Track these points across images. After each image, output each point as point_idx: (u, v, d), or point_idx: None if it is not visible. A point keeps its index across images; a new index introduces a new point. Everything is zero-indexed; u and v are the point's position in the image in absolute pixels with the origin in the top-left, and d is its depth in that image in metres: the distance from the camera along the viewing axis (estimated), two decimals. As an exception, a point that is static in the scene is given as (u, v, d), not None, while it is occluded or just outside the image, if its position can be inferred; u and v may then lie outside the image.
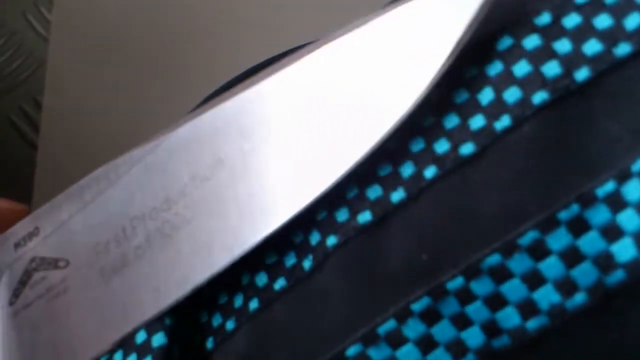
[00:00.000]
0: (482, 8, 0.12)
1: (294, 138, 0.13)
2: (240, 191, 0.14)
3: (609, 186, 0.11)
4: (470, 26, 0.12)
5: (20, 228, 0.16)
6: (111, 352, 0.15)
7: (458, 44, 0.12)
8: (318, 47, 0.14)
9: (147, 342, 0.15)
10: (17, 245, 0.16)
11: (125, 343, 0.15)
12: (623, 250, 0.11)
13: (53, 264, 0.15)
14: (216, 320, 0.15)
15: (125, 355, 0.15)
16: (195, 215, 0.14)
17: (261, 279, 0.14)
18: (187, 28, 0.48)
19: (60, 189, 0.17)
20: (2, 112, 0.49)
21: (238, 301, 0.15)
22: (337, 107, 0.13)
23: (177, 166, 0.14)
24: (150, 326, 0.15)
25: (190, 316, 0.15)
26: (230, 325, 0.15)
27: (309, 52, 0.14)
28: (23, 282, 0.16)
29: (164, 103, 0.43)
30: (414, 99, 0.12)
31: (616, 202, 0.11)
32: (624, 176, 0.11)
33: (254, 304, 0.14)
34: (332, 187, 0.13)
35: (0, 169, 0.48)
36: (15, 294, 0.16)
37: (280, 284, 0.14)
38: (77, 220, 0.15)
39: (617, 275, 0.11)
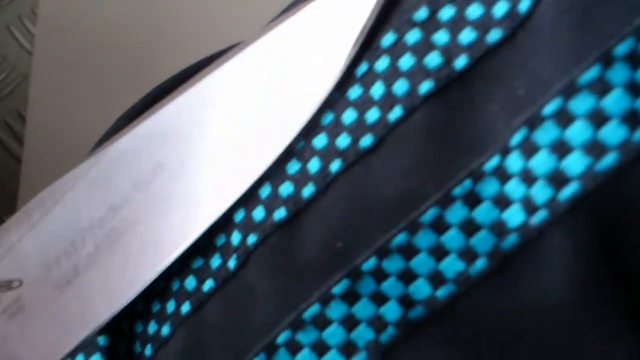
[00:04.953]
0: (374, 10, 0.13)
1: (220, 140, 0.14)
2: (178, 191, 0.14)
3: (494, 161, 0.12)
4: (364, 27, 0.13)
5: None
6: None
7: (355, 43, 0.13)
8: (236, 52, 0.14)
9: None
10: None
11: None
12: (513, 216, 0.12)
13: (7, 286, 0.16)
14: (152, 328, 0.16)
15: None
16: (140, 218, 0.15)
17: (190, 283, 0.15)
18: (173, 44, 0.49)
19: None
20: (-14, 126, 0.49)
21: (170, 307, 0.15)
22: (253, 109, 0.14)
23: (120, 176, 0.15)
24: (87, 348, 0.15)
25: (126, 331, 0.16)
26: (165, 330, 0.15)
27: (227, 58, 0.14)
28: None
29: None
30: (319, 99, 0.14)
31: (502, 174, 0.12)
32: (505, 150, 0.12)
33: (185, 307, 0.15)
34: (249, 187, 0.14)
35: (-16, 182, 0.48)
36: None
37: (209, 285, 0.15)
38: (27, 242, 0.16)
39: (511, 239, 0.12)
